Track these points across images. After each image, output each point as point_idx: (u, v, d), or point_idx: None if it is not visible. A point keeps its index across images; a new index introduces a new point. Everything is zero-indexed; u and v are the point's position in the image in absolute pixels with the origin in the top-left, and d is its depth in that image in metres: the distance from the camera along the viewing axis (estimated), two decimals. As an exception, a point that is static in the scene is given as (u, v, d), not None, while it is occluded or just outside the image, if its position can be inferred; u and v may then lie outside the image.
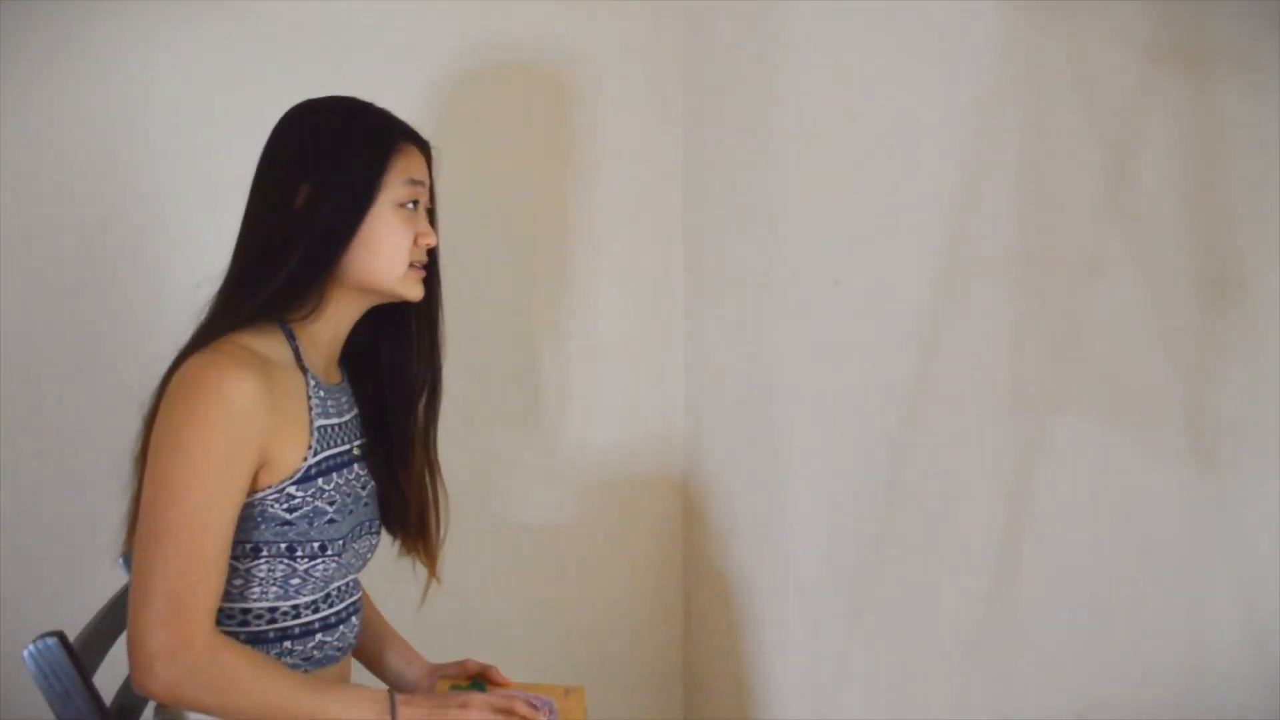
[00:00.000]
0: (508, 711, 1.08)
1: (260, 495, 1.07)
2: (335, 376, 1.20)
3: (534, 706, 1.13)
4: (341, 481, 1.14)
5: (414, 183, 1.14)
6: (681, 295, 1.91)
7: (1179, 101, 1.05)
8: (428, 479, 1.27)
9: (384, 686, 1.27)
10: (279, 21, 1.61)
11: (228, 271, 1.14)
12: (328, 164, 1.11)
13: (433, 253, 1.22)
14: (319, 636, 1.14)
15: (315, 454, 1.11)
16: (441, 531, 1.29)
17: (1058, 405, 1.19)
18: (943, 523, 1.36)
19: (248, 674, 1.01)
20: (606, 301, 1.88)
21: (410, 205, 1.14)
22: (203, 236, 1.56)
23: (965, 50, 1.29)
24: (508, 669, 1.90)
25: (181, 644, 0.98)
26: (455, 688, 1.26)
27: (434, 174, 1.20)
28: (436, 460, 1.29)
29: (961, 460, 1.32)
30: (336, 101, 1.17)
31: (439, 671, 1.32)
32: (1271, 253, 0.97)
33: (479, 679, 1.28)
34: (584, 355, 1.87)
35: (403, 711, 1.05)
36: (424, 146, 1.18)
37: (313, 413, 1.11)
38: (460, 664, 1.32)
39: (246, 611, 1.11)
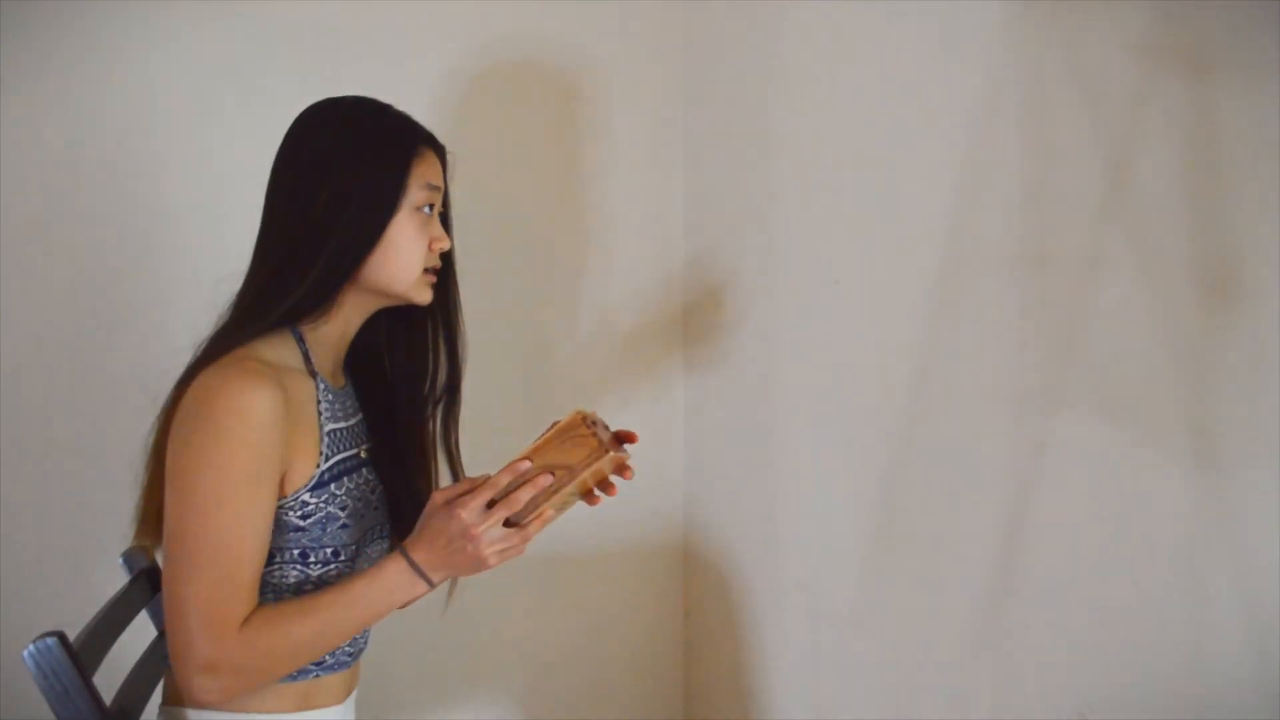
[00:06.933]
0: (510, 504, 1.05)
1: (277, 504, 1.07)
2: (340, 380, 1.19)
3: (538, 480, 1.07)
4: (352, 486, 1.14)
5: (431, 187, 1.14)
6: (681, 294, 1.91)
7: (1179, 101, 1.05)
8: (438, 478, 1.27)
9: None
10: (283, 23, 1.61)
11: (249, 276, 1.12)
12: (350, 168, 1.10)
13: (448, 256, 1.22)
14: None
15: (327, 459, 1.10)
16: None
17: (1058, 405, 1.19)
18: (943, 522, 1.36)
19: (286, 642, 1.03)
20: (605, 298, 1.88)
21: (426, 209, 1.14)
22: (207, 237, 1.56)
23: (965, 50, 1.29)
24: (507, 667, 1.90)
25: (219, 655, 1.00)
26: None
27: (448, 179, 1.20)
28: (459, 460, 1.28)
29: (961, 460, 1.32)
30: (355, 103, 1.16)
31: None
32: (1271, 253, 0.97)
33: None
34: (585, 350, 1.87)
35: (424, 565, 1.05)
36: (440, 151, 1.18)
37: (322, 417, 1.11)
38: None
39: None
